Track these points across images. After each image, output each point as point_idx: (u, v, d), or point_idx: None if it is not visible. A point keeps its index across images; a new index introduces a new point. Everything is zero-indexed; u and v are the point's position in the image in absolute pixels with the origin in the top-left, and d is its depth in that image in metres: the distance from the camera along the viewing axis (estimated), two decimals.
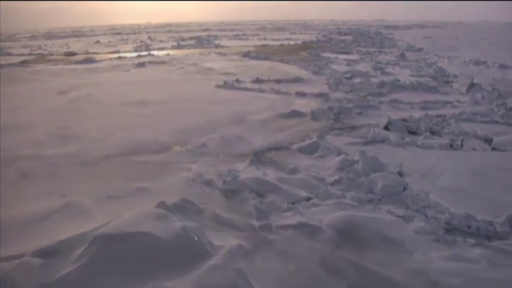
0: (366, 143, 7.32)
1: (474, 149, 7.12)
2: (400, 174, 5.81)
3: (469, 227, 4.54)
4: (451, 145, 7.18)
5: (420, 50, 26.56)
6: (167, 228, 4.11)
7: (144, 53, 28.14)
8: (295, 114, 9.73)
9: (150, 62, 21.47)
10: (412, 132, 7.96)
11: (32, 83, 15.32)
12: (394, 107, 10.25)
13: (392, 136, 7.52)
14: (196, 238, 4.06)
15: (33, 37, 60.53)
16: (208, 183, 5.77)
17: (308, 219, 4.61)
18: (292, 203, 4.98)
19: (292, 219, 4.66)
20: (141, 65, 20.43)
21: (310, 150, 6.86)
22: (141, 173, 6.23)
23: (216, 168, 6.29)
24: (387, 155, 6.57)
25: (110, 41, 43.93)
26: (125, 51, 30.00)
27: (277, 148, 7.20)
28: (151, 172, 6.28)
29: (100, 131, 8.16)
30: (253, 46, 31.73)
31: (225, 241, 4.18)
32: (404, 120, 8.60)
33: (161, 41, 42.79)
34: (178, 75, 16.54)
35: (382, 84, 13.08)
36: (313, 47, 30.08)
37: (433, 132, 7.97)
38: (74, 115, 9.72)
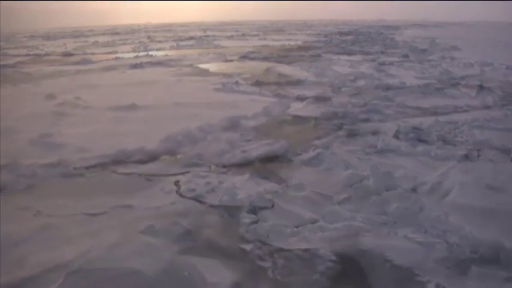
0: (375, 153, 6.72)
1: (491, 160, 6.53)
2: (414, 190, 5.21)
3: (498, 256, 3.95)
4: (467, 156, 6.58)
5: (424, 51, 25.94)
6: (154, 261, 3.52)
7: (141, 53, 27.53)
8: (296, 119, 9.14)
9: (147, 63, 20.87)
10: (423, 141, 7.35)
11: (23, 85, 14.71)
12: (402, 112, 9.64)
13: (403, 146, 6.93)
14: (187, 274, 3.47)
15: (32, 37, 59.92)
16: (200, 199, 5.21)
17: (314, 246, 4.02)
18: (296, 227, 4.37)
19: (296, 245, 4.07)
20: (137, 66, 19.81)
21: (314, 162, 6.26)
22: (125, 187, 5.67)
23: (208, 181, 5.72)
24: (399, 167, 5.98)
25: (108, 41, 43.30)
26: (122, 52, 29.39)
27: (278, 159, 6.60)
28: (136, 185, 5.71)
29: (85, 139, 7.57)
30: (253, 47, 31.10)
31: (220, 276, 3.61)
32: (415, 128, 8.00)
33: (160, 41, 42.19)
34: (173, 77, 15.92)
35: (387, 87, 12.51)
36: (314, 48, 29.46)
37: (445, 141, 7.37)
38: (60, 121, 9.12)
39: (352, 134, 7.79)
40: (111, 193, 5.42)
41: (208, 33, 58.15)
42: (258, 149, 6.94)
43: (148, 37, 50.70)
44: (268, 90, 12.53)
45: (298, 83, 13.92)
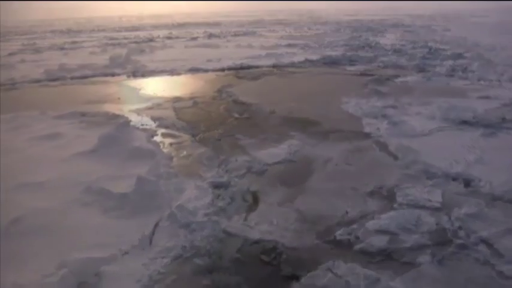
0: None
1: None
2: None
3: None
4: None
5: (422, 59, 20.79)
6: None
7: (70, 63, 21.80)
8: (240, 268, 3.94)
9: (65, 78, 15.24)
10: None
11: None
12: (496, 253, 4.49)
13: None
14: None
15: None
16: None
17: None
18: None
19: None
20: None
21: None
22: None
23: None
24: None
25: (55, 44, 36.96)
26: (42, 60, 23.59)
27: None
28: None
29: None
30: (216, 52, 25.54)
31: None
32: None
33: (118, 44, 36.14)
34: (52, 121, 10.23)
35: (410, 143, 7.37)
36: (288, 55, 23.83)
37: None
38: None
39: None
40: None
41: (174, 32, 52.47)
42: None
43: (111, 38, 44.99)
44: (205, 144, 7.24)
45: (258, 122, 8.65)
